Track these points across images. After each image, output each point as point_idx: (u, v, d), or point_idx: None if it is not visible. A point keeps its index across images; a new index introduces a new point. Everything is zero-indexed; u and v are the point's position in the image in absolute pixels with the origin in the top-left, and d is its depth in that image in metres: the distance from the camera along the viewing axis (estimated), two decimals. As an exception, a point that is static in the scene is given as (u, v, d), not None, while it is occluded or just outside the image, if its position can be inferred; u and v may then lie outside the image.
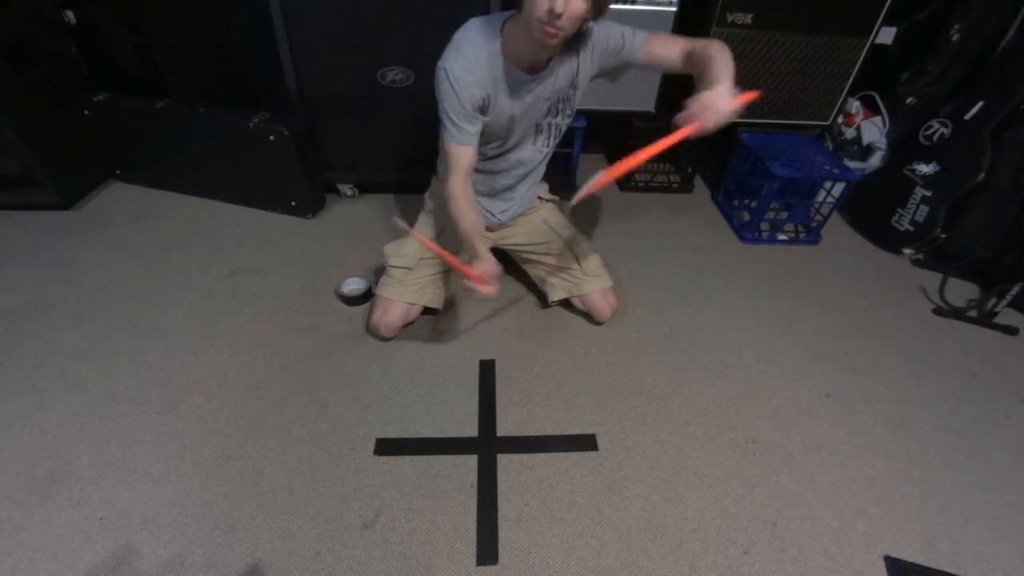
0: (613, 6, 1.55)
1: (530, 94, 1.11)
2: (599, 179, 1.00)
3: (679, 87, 1.79)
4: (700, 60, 1.13)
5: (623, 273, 1.61)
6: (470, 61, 1.03)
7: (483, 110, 1.09)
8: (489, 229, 1.40)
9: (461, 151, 1.11)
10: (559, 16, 0.89)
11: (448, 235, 1.36)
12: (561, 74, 1.12)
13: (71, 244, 1.60)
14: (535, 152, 1.26)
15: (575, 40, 1.07)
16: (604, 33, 1.12)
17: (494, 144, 1.22)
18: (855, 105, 1.90)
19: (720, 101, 1.01)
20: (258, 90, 1.79)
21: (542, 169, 1.37)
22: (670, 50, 1.15)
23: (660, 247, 1.77)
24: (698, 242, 1.81)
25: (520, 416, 1.19)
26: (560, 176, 2.04)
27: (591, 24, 1.06)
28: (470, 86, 1.03)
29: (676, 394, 1.27)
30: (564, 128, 1.24)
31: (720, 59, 1.11)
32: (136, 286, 1.47)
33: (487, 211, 1.36)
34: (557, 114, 1.19)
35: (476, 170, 1.31)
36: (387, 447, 1.11)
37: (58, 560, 0.90)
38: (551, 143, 1.26)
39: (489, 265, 1.11)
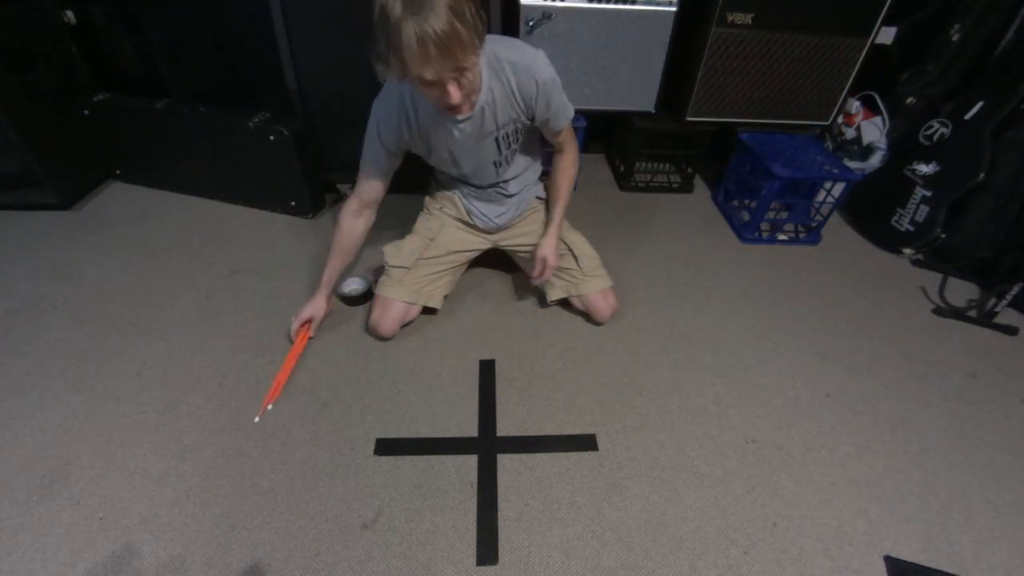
0: (614, 6, 1.56)
1: (460, 133, 1.10)
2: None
3: (678, 89, 1.80)
4: (552, 180, 1.32)
5: (623, 273, 1.61)
6: (397, 106, 1.08)
7: (409, 145, 1.15)
8: (487, 232, 1.40)
9: (363, 179, 1.22)
10: (461, 102, 0.92)
11: (445, 236, 1.36)
12: (496, 112, 1.09)
13: (71, 244, 1.60)
14: (498, 177, 1.28)
15: (496, 77, 1.06)
16: (540, 101, 1.09)
17: (453, 172, 1.26)
18: (855, 105, 1.90)
19: (547, 252, 1.27)
20: (258, 90, 1.79)
21: (532, 175, 1.37)
22: (557, 142, 1.26)
23: (660, 247, 1.77)
24: (698, 242, 1.81)
25: (520, 416, 1.19)
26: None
27: (508, 70, 1.05)
28: (395, 128, 1.10)
29: (676, 394, 1.27)
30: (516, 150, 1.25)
31: (561, 196, 1.30)
32: (136, 286, 1.47)
33: (484, 215, 1.36)
34: (510, 146, 1.20)
35: (461, 180, 1.32)
36: (387, 447, 1.11)
37: (58, 560, 0.90)
38: (510, 165, 1.28)
39: (310, 311, 1.28)
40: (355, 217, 1.26)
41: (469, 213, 1.38)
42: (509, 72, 1.05)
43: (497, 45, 1.04)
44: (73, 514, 0.96)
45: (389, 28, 0.79)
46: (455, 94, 0.88)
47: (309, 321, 1.29)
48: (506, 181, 1.31)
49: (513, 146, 1.20)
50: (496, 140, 1.15)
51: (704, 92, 1.78)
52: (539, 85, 1.07)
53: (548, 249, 1.27)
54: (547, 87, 1.08)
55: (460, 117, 1.04)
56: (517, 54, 1.05)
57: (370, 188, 1.23)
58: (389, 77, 0.88)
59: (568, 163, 1.29)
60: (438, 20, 0.77)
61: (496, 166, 1.23)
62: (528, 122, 1.16)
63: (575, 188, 2.02)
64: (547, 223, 1.32)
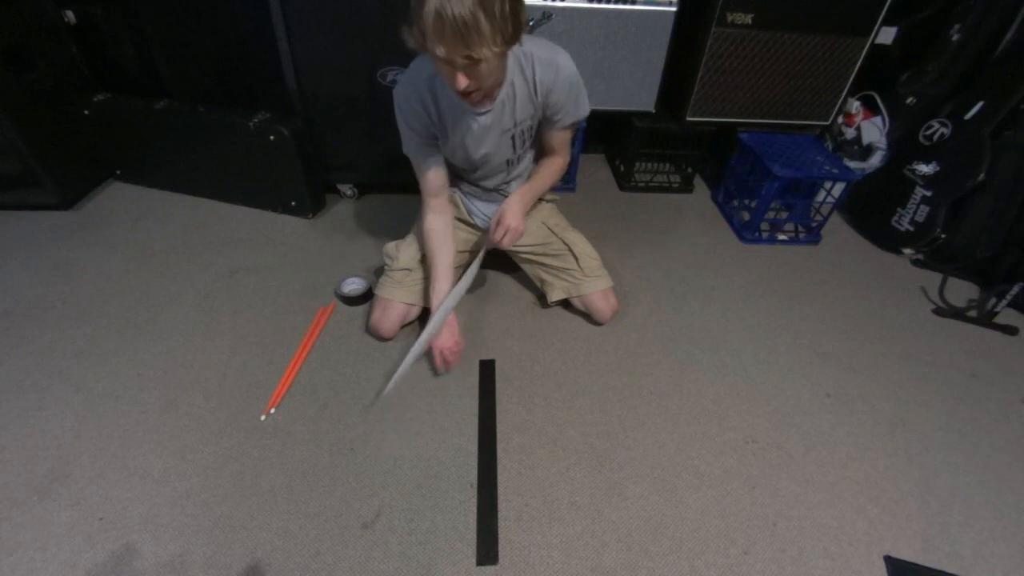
0: (614, 6, 1.56)
1: (479, 125, 1.10)
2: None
3: (678, 89, 1.80)
4: (535, 168, 1.30)
5: (623, 273, 1.61)
6: (416, 87, 1.07)
7: (434, 128, 1.13)
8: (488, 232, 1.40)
9: (422, 170, 1.18)
10: (471, 91, 0.92)
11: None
12: (516, 108, 1.10)
13: (71, 244, 1.60)
14: (508, 175, 1.28)
15: (521, 72, 1.06)
16: (558, 96, 1.10)
17: (462, 165, 1.24)
18: (855, 105, 1.90)
19: (506, 213, 1.18)
20: (258, 90, 1.79)
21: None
22: (551, 145, 1.25)
23: (660, 247, 1.77)
24: (698, 242, 1.81)
25: (520, 416, 1.19)
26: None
27: (537, 67, 1.06)
28: (416, 110, 1.08)
29: (676, 394, 1.27)
30: (528, 150, 1.26)
31: (539, 176, 1.26)
32: (136, 286, 1.47)
33: (484, 215, 1.36)
34: (524, 143, 1.20)
35: (462, 178, 1.32)
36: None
37: (58, 560, 0.90)
38: (519, 165, 1.28)
39: (449, 339, 1.20)
40: (435, 213, 1.23)
41: (469, 212, 1.38)
42: (535, 65, 1.05)
43: (528, 42, 1.04)
44: (73, 514, 0.96)
45: None
46: (462, 82, 0.89)
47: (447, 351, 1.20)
48: (508, 183, 1.31)
49: (527, 143, 1.21)
50: (512, 137, 1.16)
51: (704, 92, 1.78)
52: (559, 76, 1.07)
53: (509, 210, 1.17)
54: (567, 80, 1.09)
55: (480, 110, 1.06)
56: (542, 49, 1.06)
57: (430, 178, 1.19)
58: (410, 43, 0.87)
59: (557, 161, 1.27)
60: (461, 5, 0.77)
61: (508, 164, 1.24)
62: (540, 117, 1.16)
63: (573, 189, 2.04)
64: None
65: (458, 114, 1.09)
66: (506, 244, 1.19)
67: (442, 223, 1.24)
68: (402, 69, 1.55)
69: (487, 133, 1.12)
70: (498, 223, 1.18)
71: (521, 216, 1.20)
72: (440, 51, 0.83)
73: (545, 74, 1.07)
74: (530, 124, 1.16)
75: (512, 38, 0.87)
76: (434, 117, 1.10)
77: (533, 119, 1.15)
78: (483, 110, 1.07)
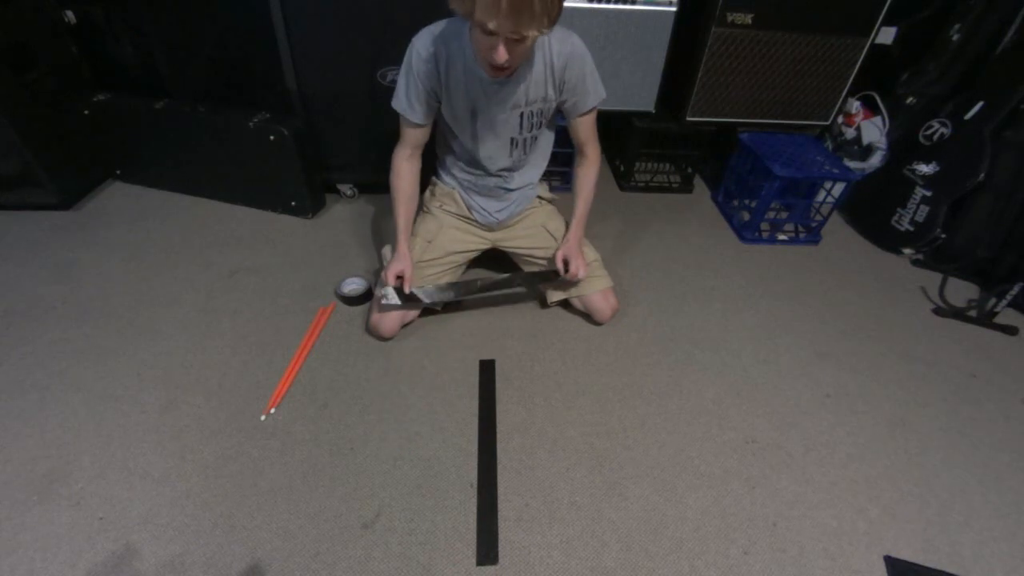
0: (614, 6, 1.56)
1: (491, 95, 1.11)
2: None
3: (678, 88, 1.80)
4: (574, 184, 1.35)
5: (623, 273, 1.61)
6: (436, 42, 1.08)
7: (438, 96, 1.14)
8: (488, 229, 1.40)
9: (406, 126, 1.21)
10: (504, 66, 0.95)
11: (444, 237, 1.36)
12: (529, 87, 1.12)
13: (71, 244, 1.60)
14: (511, 160, 1.28)
15: (539, 49, 1.09)
16: (573, 72, 1.13)
17: (466, 141, 1.24)
18: (855, 105, 1.90)
19: (567, 252, 1.30)
20: (258, 90, 1.78)
21: (535, 174, 1.37)
22: (578, 138, 1.28)
23: (660, 247, 1.77)
24: (698, 242, 1.81)
25: (520, 416, 1.19)
26: (560, 175, 2.05)
27: (557, 51, 1.09)
28: (428, 60, 1.09)
29: (676, 394, 1.27)
30: (539, 136, 1.27)
31: (583, 195, 1.33)
32: (136, 286, 1.47)
33: (484, 210, 1.36)
34: (531, 128, 1.21)
35: (465, 171, 1.32)
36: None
37: (58, 560, 0.90)
38: (525, 156, 1.29)
39: (400, 265, 1.23)
40: (410, 161, 1.26)
41: (469, 208, 1.37)
42: (551, 42, 1.08)
43: None
44: (73, 514, 0.96)
45: None
46: (502, 55, 0.91)
47: (401, 277, 1.25)
48: (509, 170, 1.30)
49: (535, 130, 1.22)
50: (521, 115, 1.17)
51: (704, 92, 1.78)
52: (574, 51, 1.10)
53: (568, 248, 1.29)
54: (583, 60, 1.12)
55: (495, 77, 1.06)
56: (556, 29, 1.07)
57: (414, 135, 1.22)
58: (456, 9, 0.90)
59: (590, 167, 1.31)
60: None
61: (512, 145, 1.23)
62: (554, 101, 1.17)
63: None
64: (572, 220, 1.34)
65: (472, 79, 1.10)
66: (579, 275, 1.28)
67: (411, 173, 1.27)
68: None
69: (499, 104, 1.13)
70: (567, 269, 1.29)
71: (581, 252, 1.31)
72: (491, 24, 0.85)
73: (561, 49, 1.09)
74: (540, 107, 1.17)
75: (554, 21, 0.90)
76: (442, 75, 1.11)
77: (545, 102, 1.16)
78: (496, 79, 1.07)
